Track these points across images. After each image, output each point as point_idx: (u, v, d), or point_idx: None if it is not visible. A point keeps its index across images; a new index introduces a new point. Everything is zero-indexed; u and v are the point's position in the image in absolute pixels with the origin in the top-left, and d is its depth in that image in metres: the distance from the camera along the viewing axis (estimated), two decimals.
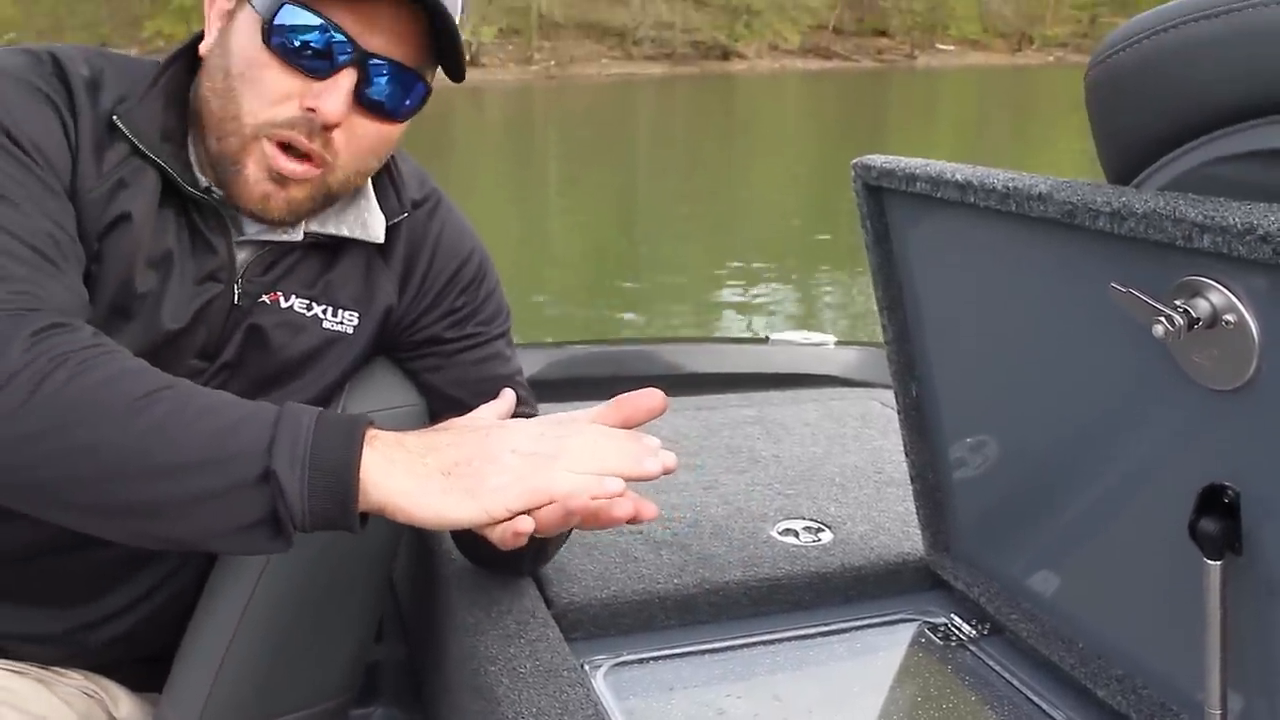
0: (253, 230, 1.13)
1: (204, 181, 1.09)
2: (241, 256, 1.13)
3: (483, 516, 0.92)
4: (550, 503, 0.93)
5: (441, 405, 1.25)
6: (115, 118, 1.06)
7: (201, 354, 1.12)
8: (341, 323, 1.19)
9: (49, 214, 0.99)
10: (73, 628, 1.18)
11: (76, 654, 1.20)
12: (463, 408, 1.15)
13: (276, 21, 1.02)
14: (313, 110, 1.03)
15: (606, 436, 1.00)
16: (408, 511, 0.91)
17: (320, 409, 0.93)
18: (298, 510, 0.88)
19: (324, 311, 1.18)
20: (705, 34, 51.76)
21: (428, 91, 1.11)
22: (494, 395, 1.18)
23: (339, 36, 1.02)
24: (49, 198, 1.00)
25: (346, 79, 1.03)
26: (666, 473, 0.98)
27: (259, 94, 1.04)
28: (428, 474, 0.93)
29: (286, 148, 1.05)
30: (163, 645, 1.23)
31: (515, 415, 1.26)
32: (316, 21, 1.02)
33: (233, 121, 1.05)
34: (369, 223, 1.17)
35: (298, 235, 1.14)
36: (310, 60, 1.03)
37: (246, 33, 1.05)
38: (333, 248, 1.18)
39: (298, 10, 1.02)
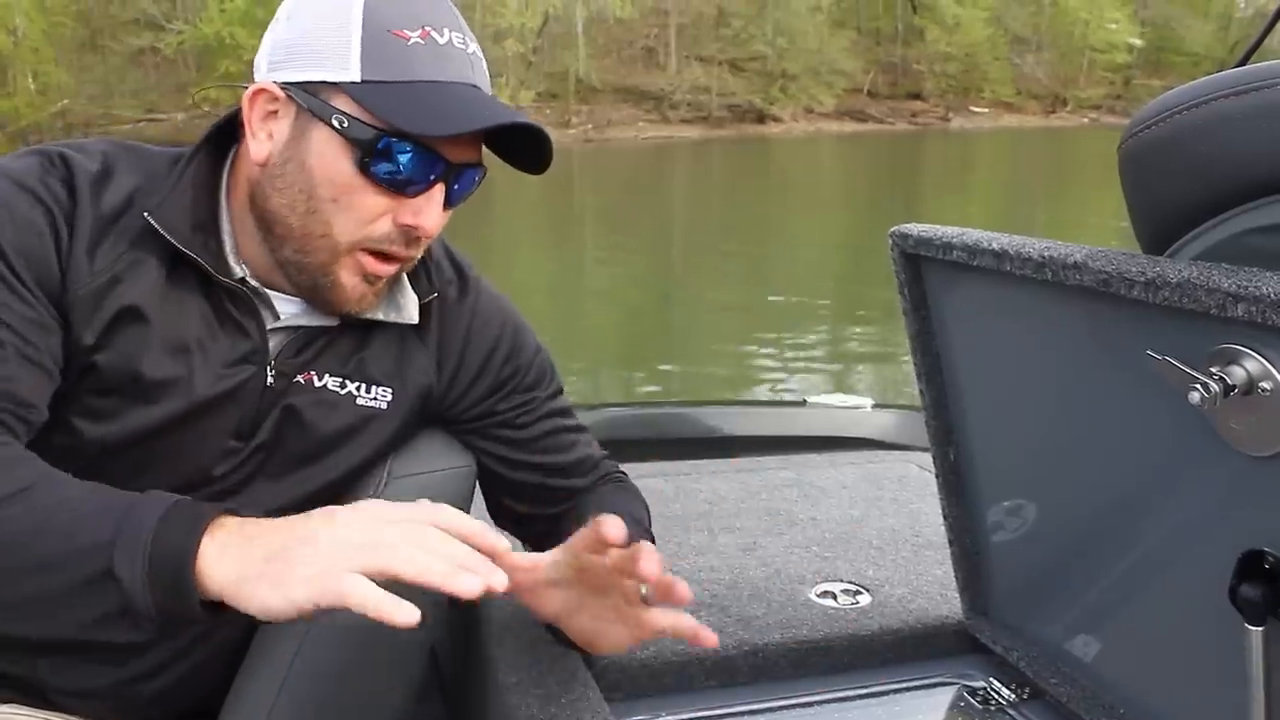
0: (287, 314, 1.15)
1: (238, 271, 1.11)
2: (275, 340, 1.15)
3: (290, 610, 0.85)
4: (343, 608, 0.84)
5: (510, 472, 1.29)
6: (146, 214, 1.07)
7: (237, 435, 1.14)
8: (375, 398, 1.21)
9: (8, 311, 1.00)
10: (118, 682, 1.20)
11: (123, 708, 1.22)
12: (532, 469, 1.16)
13: (378, 151, 1.04)
14: (408, 226, 1.07)
15: (436, 538, 0.89)
16: (236, 601, 0.86)
17: (180, 497, 0.91)
18: (140, 604, 0.86)
19: (357, 388, 1.20)
20: (741, 97, 52.17)
21: (485, 173, 1.15)
22: (559, 454, 1.19)
23: (434, 158, 1.06)
24: (13, 299, 1.01)
25: (439, 193, 1.08)
26: (490, 593, 0.86)
27: (354, 216, 1.07)
28: (250, 562, 0.87)
29: (379, 254, 1.09)
30: (208, 700, 1.25)
31: (585, 466, 1.29)
32: (415, 148, 1.05)
33: (321, 239, 1.08)
34: (403, 305, 1.20)
35: (333, 321, 1.17)
36: (406, 183, 1.06)
37: (330, 154, 1.05)
38: (365, 326, 1.20)
39: (397, 140, 1.04)
